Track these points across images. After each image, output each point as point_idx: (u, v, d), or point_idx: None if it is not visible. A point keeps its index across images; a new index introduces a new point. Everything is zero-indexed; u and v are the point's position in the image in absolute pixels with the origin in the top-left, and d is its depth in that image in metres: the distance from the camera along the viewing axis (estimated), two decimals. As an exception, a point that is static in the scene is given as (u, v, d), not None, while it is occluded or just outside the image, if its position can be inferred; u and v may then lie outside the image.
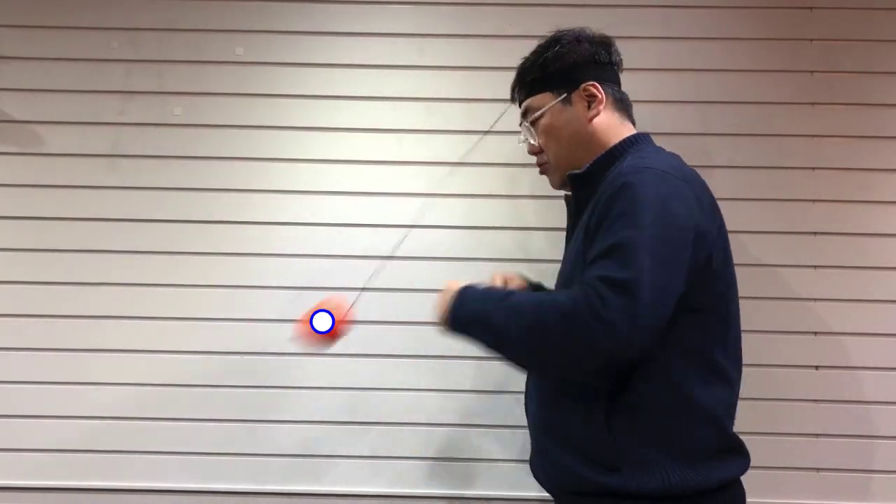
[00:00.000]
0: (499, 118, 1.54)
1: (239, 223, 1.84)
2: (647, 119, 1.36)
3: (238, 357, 1.81)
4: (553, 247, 1.78)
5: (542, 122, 1.32)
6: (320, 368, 1.81)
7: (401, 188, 1.84)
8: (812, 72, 1.84)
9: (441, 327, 1.26)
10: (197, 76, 1.86)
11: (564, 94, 1.30)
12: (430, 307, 1.26)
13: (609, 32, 1.79)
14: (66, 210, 1.84)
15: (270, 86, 1.86)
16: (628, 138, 1.28)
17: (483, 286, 1.26)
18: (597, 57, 1.30)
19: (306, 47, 1.87)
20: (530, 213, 1.83)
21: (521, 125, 1.38)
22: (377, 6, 1.87)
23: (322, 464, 1.80)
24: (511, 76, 1.82)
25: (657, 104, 1.79)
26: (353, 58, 1.86)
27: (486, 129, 1.76)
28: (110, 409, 1.80)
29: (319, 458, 1.80)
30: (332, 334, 1.38)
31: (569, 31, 1.33)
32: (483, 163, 1.84)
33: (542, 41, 1.35)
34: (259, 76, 1.86)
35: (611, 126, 1.29)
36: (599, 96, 1.28)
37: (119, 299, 1.82)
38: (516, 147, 1.81)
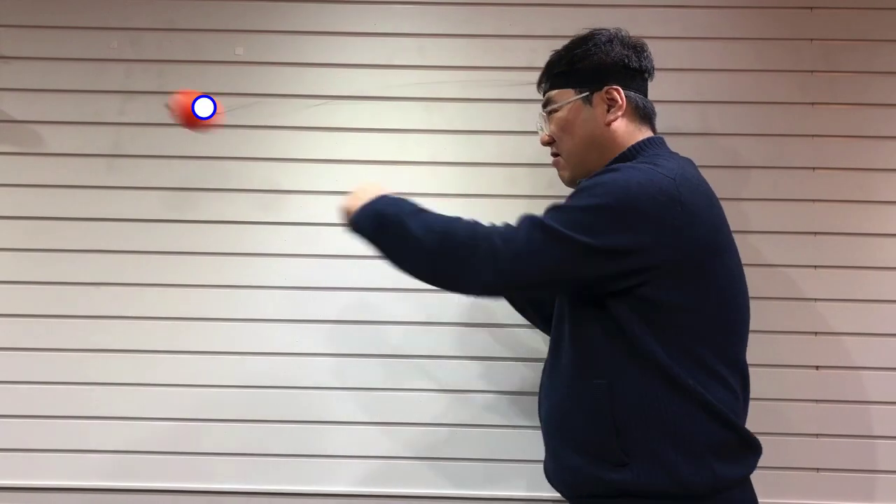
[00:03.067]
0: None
1: (239, 223, 1.84)
2: (648, 119, 1.36)
3: (238, 357, 1.81)
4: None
5: (559, 115, 1.32)
6: (320, 368, 1.81)
7: (401, 188, 1.83)
8: (812, 72, 1.84)
9: (347, 217, 1.31)
10: (197, 76, 1.86)
11: (586, 93, 1.29)
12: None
13: (609, 32, 1.81)
14: (66, 210, 1.84)
15: (270, 86, 1.86)
16: (642, 141, 1.28)
17: (398, 197, 1.31)
18: (626, 61, 1.30)
19: (306, 47, 1.87)
20: (529, 212, 1.82)
21: (539, 115, 1.39)
22: (377, 6, 1.87)
23: (322, 464, 1.80)
24: (511, 76, 1.84)
25: (657, 104, 1.76)
26: (353, 58, 1.86)
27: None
28: (110, 409, 1.80)
29: (319, 458, 1.80)
30: (210, 122, 1.42)
31: (605, 30, 1.32)
32: (483, 163, 1.84)
33: (577, 35, 1.35)
34: (259, 76, 1.86)
35: (627, 132, 1.29)
36: (620, 102, 1.27)
37: (119, 299, 1.82)
38: (517, 147, 1.82)
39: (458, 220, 1.23)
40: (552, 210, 1.19)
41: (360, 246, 1.81)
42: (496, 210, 1.82)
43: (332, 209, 1.82)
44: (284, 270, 1.82)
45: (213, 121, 1.42)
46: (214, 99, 1.43)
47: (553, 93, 1.34)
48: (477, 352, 1.80)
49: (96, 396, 1.81)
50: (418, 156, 1.85)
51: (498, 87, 1.83)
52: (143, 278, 1.82)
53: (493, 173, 1.84)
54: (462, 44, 1.87)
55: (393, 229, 1.24)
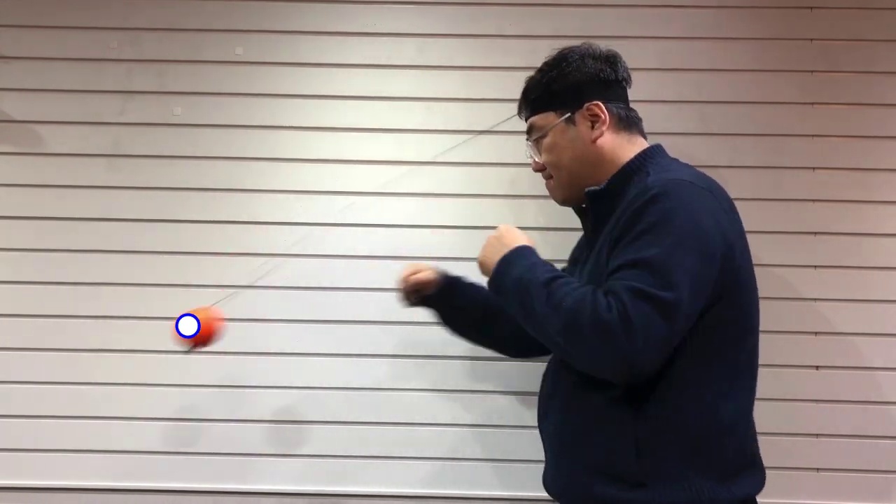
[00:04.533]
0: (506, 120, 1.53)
1: (239, 223, 1.84)
2: (647, 119, 1.36)
3: (238, 357, 1.81)
4: (553, 247, 1.78)
5: (546, 141, 1.31)
6: (320, 368, 1.81)
7: (401, 188, 1.84)
8: (812, 72, 1.84)
9: (485, 272, 1.27)
10: (197, 76, 1.86)
11: (568, 114, 1.28)
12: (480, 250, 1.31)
13: (609, 32, 1.82)
14: (66, 210, 1.84)
15: (270, 86, 1.86)
16: (643, 152, 1.27)
17: (535, 255, 1.23)
18: (601, 75, 1.29)
19: (306, 47, 1.87)
20: (531, 213, 1.83)
21: (526, 142, 1.38)
22: (377, 6, 1.87)
23: (322, 464, 1.80)
24: (511, 76, 1.83)
25: (657, 104, 1.79)
26: (353, 58, 1.86)
27: (482, 130, 1.76)
28: (110, 409, 1.80)
29: (320, 458, 1.80)
30: (197, 339, 1.42)
31: (575, 48, 1.31)
32: (483, 163, 1.84)
33: (548, 58, 1.34)
34: (259, 76, 1.86)
35: (618, 145, 1.27)
36: (603, 117, 1.26)
37: (119, 299, 1.82)
38: (517, 147, 1.82)
39: (585, 296, 1.10)
40: (642, 277, 1.07)
41: (359, 246, 1.83)
42: (496, 210, 1.83)
43: (331, 209, 1.84)
44: (284, 270, 1.82)
45: (207, 334, 1.44)
46: (196, 315, 1.43)
47: (534, 119, 1.33)
48: (478, 352, 1.80)
49: (96, 396, 1.81)
50: (418, 156, 1.85)
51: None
52: (143, 278, 1.82)
53: (493, 173, 1.84)
54: (462, 44, 1.87)
55: (522, 301, 1.17)
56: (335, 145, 1.85)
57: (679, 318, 1.07)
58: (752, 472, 1.19)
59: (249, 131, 1.85)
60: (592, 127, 1.27)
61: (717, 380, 1.14)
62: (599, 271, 1.17)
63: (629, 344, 1.04)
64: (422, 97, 1.85)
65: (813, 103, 1.83)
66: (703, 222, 1.11)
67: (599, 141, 1.27)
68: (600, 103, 1.26)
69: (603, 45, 1.33)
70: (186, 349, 1.46)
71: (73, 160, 1.84)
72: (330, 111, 1.85)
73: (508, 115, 1.81)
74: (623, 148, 1.27)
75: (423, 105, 1.86)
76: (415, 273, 1.50)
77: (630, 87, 1.35)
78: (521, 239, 1.26)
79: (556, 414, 1.26)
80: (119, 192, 1.84)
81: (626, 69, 1.33)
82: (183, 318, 1.42)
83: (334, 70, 1.86)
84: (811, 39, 1.84)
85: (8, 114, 1.85)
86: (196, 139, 1.85)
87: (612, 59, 1.31)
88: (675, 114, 1.83)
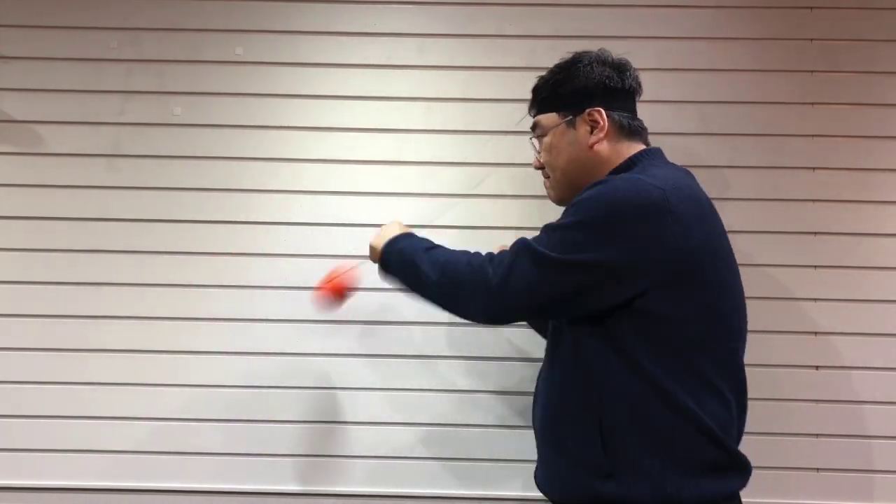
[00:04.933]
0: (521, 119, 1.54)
1: (239, 223, 1.84)
2: (648, 119, 1.36)
3: (238, 357, 1.81)
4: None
5: (546, 140, 1.35)
6: (320, 368, 1.81)
7: (401, 188, 1.84)
8: (812, 72, 1.84)
9: (374, 255, 1.43)
10: (197, 76, 1.86)
11: (570, 117, 1.31)
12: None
13: (609, 32, 1.83)
14: (66, 210, 1.84)
15: (270, 86, 1.86)
16: (635, 154, 1.28)
17: (413, 235, 1.41)
18: (608, 82, 1.30)
19: (306, 47, 1.87)
20: (531, 212, 1.83)
21: (530, 139, 1.43)
22: (377, 6, 1.87)
23: (322, 464, 1.80)
24: (511, 76, 1.84)
25: (657, 104, 1.78)
26: (353, 58, 1.86)
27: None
28: (110, 409, 1.80)
29: (319, 458, 1.80)
30: (330, 288, 1.56)
31: (588, 54, 1.33)
32: (483, 163, 1.84)
33: (562, 60, 1.36)
34: (259, 76, 1.86)
35: (614, 152, 1.29)
36: (601, 123, 1.28)
37: (119, 299, 1.82)
38: (517, 147, 1.82)
39: (462, 253, 1.30)
40: (543, 232, 1.22)
41: (359, 245, 1.83)
42: (496, 210, 1.83)
43: (331, 209, 1.84)
44: (284, 270, 1.82)
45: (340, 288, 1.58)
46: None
47: (539, 118, 1.37)
48: (477, 352, 1.80)
49: (96, 396, 1.81)
50: (418, 156, 1.85)
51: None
52: (143, 278, 1.82)
53: (492, 173, 1.84)
54: (462, 44, 1.87)
55: (406, 269, 1.34)
56: (335, 145, 1.85)
57: (550, 272, 1.16)
58: (729, 471, 1.17)
59: (249, 131, 1.85)
60: (591, 132, 1.29)
61: (683, 380, 1.14)
62: None
63: (494, 278, 1.19)
64: (422, 97, 1.85)
65: (813, 103, 1.83)
66: (619, 201, 1.14)
67: (596, 147, 1.29)
68: (601, 110, 1.28)
69: (616, 53, 1.34)
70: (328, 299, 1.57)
71: (73, 160, 1.84)
72: (330, 111, 1.86)
73: (509, 117, 1.82)
74: (619, 155, 1.29)
75: (423, 105, 1.86)
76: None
77: (640, 95, 1.35)
78: (404, 229, 1.43)
79: (540, 409, 1.31)
80: (119, 192, 1.84)
81: (635, 79, 1.34)
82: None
83: (334, 70, 1.86)
84: (811, 39, 1.84)
85: (8, 114, 1.85)
86: (196, 139, 1.85)
87: (621, 67, 1.32)
88: (675, 114, 1.83)
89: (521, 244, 1.21)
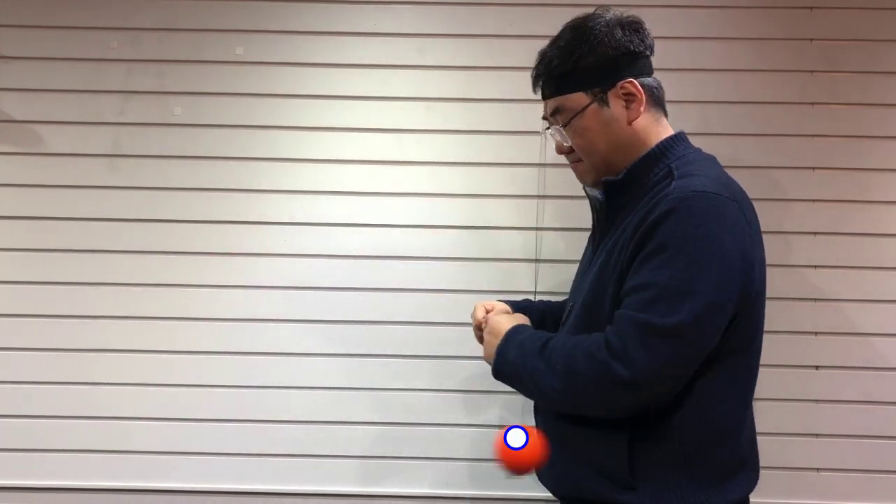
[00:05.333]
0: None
1: (239, 223, 1.84)
2: (648, 119, 1.36)
3: (238, 357, 1.81)
4: (553, 247, 1.78)
5: (576, 123, 1.20)
6: (320, 368, 1.81)
7: (401, 188, 1.84)
8: (812, 72, 1.84)
9: (490, 362, 1.23)
10: (197, 76, 1.86)
11: (601, 94, 1.18)
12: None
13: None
14: (66, 210, 1.84)
15: (270, 86, 1.86)
16: (666, 140, 1.19)
17: (525, 331, 1.22)
18: (632, 47, 1.18)
19: (306, 47, 1.87)
20: (531, 212, 1.82)
21: (547, 121, 1.27)
22: (377, 6, 1.87)
23: (322, 464, 1.80)
24: (511, 76, 1.83)
25: (657, 104, 1.78)
26: (353, 58, 1.86)
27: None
28: (110, 409, 1.80)
29: (319, 458, 1.80)
30: (527, 451, 1.15)
31: (599, 16, 1.20)
32: (483, 163, 1.84)
33: (569, 29, 1.22)
34: (259, 76, 1.86)
35: (649, 126, 1.19)
36: (639, 95, 1.17)
37: (119, 299, 1.82)
38: (517, 147, 1.82)
39: (576, 347, 1.11)
40: (649, 303, 1.05)
41: (359, 245, 1.83)
42: (496, 210, 1.83)
43: (332, 209, 1.84)
44: (284, 270, 1.82)
45: (535, 449, 1.16)
46: (525, 427, 1.19)
47: (562, 99, 1.21)
48: (477, 351, 1.80)
49: (96, 396, 1.81)
50: (418, 156, 1.84)
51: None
52: (143, 278, 1.82)
53: (493, 173, 1.84)
54: (462, 44, 1.86)
55: (526, 381, 1.16)
56: (335, 145, 1.85)
57: (686, 341, 1.04)
58: (743, 473, 1.17)
59: (249, 131, 1.85)
60: (627, 107, 1.18)
61: (718, 388, 1.12)
62: (609, 273, 1.14)
63: (630, 374, 1.03)
64: (422, 97, 1.85)
65: (813, 103, 1.83)
66: (724, 241, 1.05)
67: (635, 122, 1.18)
68: (634, 81, 1.17)
69: (619, 11, 1.22)
70: (506, 468, 1.17)
71: (73, 160, 1.84)
72: (330, 111, 1.85)
73: (509, 117, 1.82)
74: (654, 129, 1.20)
75: (423, 105, 1.85)
76: (487, 311, 1.38)
77: (653, 54, 1.26)
78: (507, 324, 1.23)
79: (552, 412, 1.25)
80: (119, 192, 1.84)
81: (650, 35, 1.23)
82: (512, 430, 1.17)
83: (334, 70, 1.86)
84: (811, 39, 1.84)
85: (8, 114, 1.85)
86: (196, 139, 1.85)
87: (638, 27, 1.21)
88: (675, 114, 1.80)
89: (633, 326, 1.05)
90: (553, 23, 1.83)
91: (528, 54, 1.81)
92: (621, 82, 1.17)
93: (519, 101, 1.80)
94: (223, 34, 1.87)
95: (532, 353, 1.15)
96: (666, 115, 1.24)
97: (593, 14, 1.21)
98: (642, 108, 1.18)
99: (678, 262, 1.04)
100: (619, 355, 1.04)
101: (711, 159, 1.22)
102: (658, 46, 1.83)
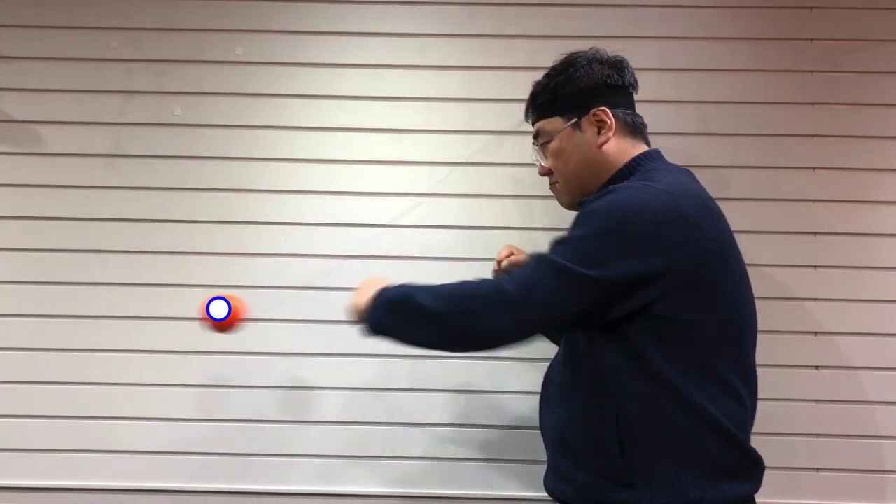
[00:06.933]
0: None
1: (239, 223, 1.84)
2: (648, 119, 1.36)
3: (238, 357, 1.81)
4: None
5: (552, 145, 1.33)
6: (320, 369, 1.81)
7: (401, 188, 1.84)
8: (812, 72, 1.84)
9: (358, 315, 1.28)
10: (197, 76, 1.86)
11: (574, 119, 1.30)
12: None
13: (609, 32, 1.82)
14: (66, 210, 1.84)
15: (270, 86, 1.86)
16: (637, 157, 1.27)
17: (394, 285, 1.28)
18: (608, 80, 1.30)
19: (306, 47, 1.87)
20: (531, 212, 1.83)
21: (532, 146, 1.40)
22: (377, 6, 1.87)
23: (322, 464, 1.80)
24: (511, 76, 1.84)
25: (657, 104, 1.78)
26: (353, 58, 1.86)
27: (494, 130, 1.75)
28: (110, 409, 1.80)
29: (319, 458, 1.80)
30: (227, 322, 1.48)
31: (583, 53, 1.32)
32: (484, 163, 1.84)
33: (556, 62, 1.35)
34: (259, 76, 1.86)
35: (621, 151, 1.29)
36: (609, 122, 1.27)
37: (119, 299, 1.82)
38: (517, 147, 1.82)
39: (463, 281, 1.21)
40: (557, 245, 1.18)
41: (359, 245, 1.83)
42: (496, 210, 1.83)
43: (332, 209, 1.84)
44: (284, 270, 1.82)
45: (234, 320, 1.50)
46: (229, 300, 1.49)
47: (541, 123, 1.35)
48: (478, 352, 1.80)
49: (96, 396, 1.81)
50: (418, 156, 1.85)
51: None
52: (143, 278, 1.82)
53: (493, 173, 1.84)
54: (462, 44, 1.87)
55: (404, 310, 1.22)
56: (335, 145, 1.85)
57: (573, 285, 1.12)
58: (746, 472, 1.18)
59: (249, 131, 1.85)
60: (599, 132, 1.28)
61: (699, 382, 1.14)
62: None
63: (512, 288, 1.14)
64: (422, 97, 1.85)
65: (813, 103, 1.83)
66: (633, 212, 1.13)
67: (605, 147, 1.28)
68: (606, 109, 1.28)
69: (610, 51, 1.34)
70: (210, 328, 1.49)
71: (73, 160, 1.85)
72: (330, 111, 1.85)
73: (508, 117, 1.82)
74: (626, 153, 1.28)
75: (423, 105, 1.86)
76: (510, 255, 1.54)
77: (636, 92, 1.35)
78: (381, 283, 1.28)
79: (551, 415, 1.29)
80: (119, 192, 1.84)
81: (632, 74, 1.34)
82: (215, 301, 1.47)
83: (334, 70, 1.86)
84: (811, 39, 1.84)
85: (8, 114, 1.85)
86: (196, 139, 1.85)
87: (618, 65, 1.32)
88: (675, 114, 1.83)
89: (539, 258, 1.17)
90: (552, 23, 1.85)
91: (528, 54, 1.84)
92: (594, 109, 1.28)
93: (518, 101, 1.77)
94: (223, 34, 1.87)
95: (412, 289, 1.23)
96: (648, 145, 1.32)
97: (580, 52, 1.33)
98: (611, 134, 1.28)
99: (589, 225, 1.16)
100: (511, 279, 1.17)
101: (681, 171, 1.28)
102: (658, 46, 1.85)
